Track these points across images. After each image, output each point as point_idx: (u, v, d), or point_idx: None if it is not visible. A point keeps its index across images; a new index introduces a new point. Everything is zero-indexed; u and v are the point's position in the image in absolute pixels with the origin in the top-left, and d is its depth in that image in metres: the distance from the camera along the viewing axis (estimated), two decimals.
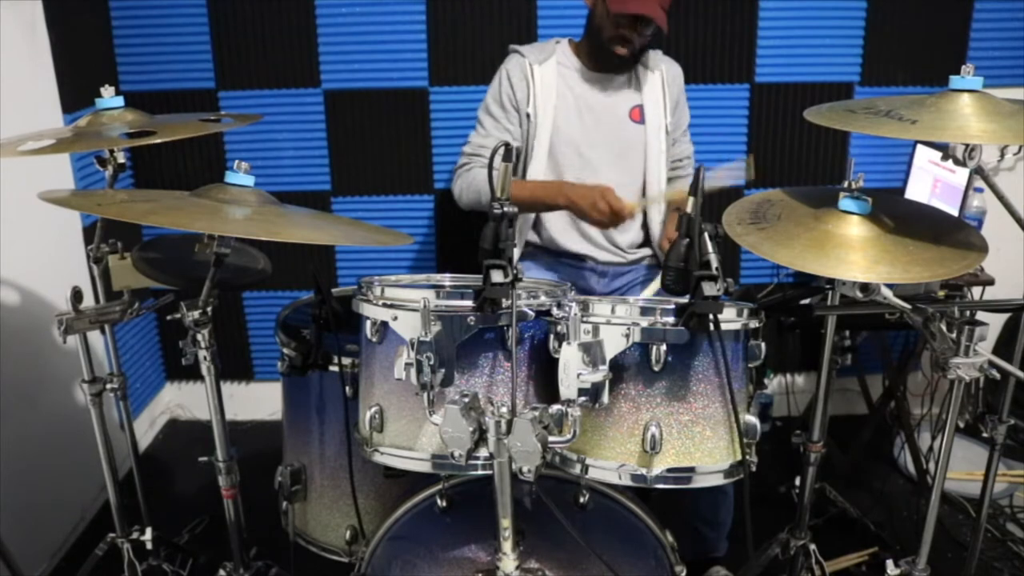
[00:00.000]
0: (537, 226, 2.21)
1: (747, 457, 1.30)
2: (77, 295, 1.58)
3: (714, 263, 1.20)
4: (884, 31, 2.60)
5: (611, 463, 1.27)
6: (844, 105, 1.35)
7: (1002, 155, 1.27)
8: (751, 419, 1.31)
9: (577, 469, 1.29)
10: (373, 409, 1.32)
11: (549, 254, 2.23)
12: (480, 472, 1.25)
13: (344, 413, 1.56)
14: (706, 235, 1.21)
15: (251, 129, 2.68)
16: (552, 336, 1.28)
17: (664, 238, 2.20)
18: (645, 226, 2.23)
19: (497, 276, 1.17)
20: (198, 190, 1.36)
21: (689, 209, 1.23)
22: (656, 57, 2.19)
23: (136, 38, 2.60)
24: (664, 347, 1.22)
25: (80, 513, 2.34)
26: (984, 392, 2.37)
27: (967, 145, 1.17)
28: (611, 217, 1.90)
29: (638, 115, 2.14)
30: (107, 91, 1.58)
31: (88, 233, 2.37)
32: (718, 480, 1.28)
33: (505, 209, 1.18)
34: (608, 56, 2.06)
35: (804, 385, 2.97)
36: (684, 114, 2.27)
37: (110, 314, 1.66)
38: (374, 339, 1.32)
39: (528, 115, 2.09)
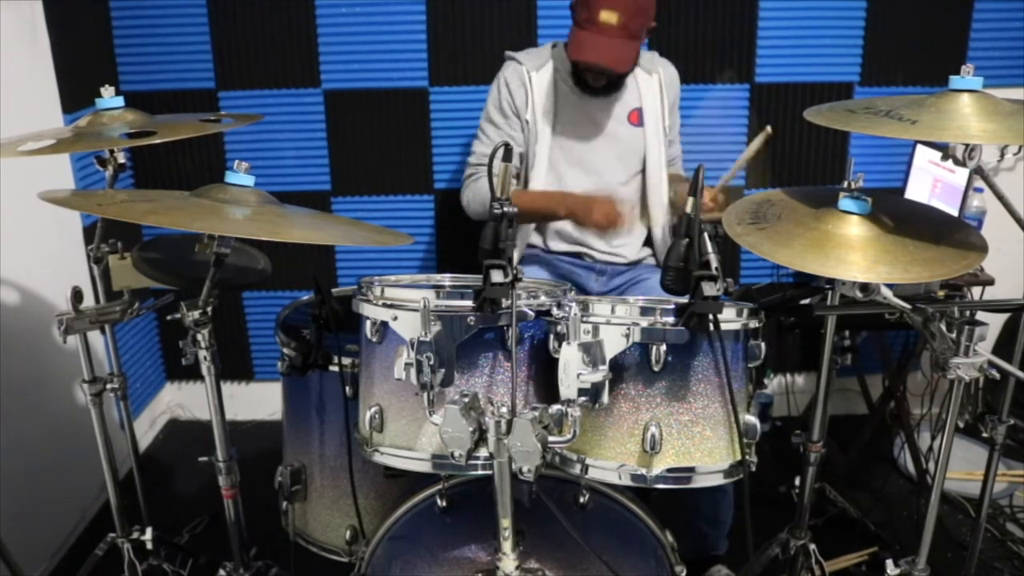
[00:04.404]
0: (537, 228, 2.21)
1: (747, 457, 1.30)
2: (77, 295, 1.58)
3: (714, 263, 1.20)
4: (884, 31, 2.60)
5: (611, 463, 1.27)
6: (844, 105, 1.35)
7: (1002, 155, 1.27)
8: (751, 419, 1.31)
9: (577, 469, 1.29)
10: (373, 409, 1.32)
11: (547, 254, 2.23)
12: (480, 472, 1.25)
13: (344, 413, 1.56)
14: (706, 235, 1.21)
15: (251, 129, 2.68)
16: (552, 336, 1.28)
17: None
18: (649, 226, 2.22)
19: (497, 276, 1.17)
20: (198, 190, 1.36)
21: (689, 209, 1.23)
22: (653, 59, 2.19)
23: (136, 38, 2.60)
24: (664, 347, 1.22)
25: (80, 513, 2.34)
26: (984, 392, 2.37)
27: (967, 145, 1.17)
28: (609, 226, 1.94)
29: (636, 118, 2.14)
30: (107, 91, 1.58)
31: (88, 233, 2.37)
32: (718, 480, 1.29)
33: (505, 209, 1.18)
34: (586, 82, 2.05)
35: (804, 385, 2.96)
36: (678, 116, 2.27)
37: (110, 314, 1.66)
38: (374, 339, 1.32)
39: (527, 121, 2.09)
